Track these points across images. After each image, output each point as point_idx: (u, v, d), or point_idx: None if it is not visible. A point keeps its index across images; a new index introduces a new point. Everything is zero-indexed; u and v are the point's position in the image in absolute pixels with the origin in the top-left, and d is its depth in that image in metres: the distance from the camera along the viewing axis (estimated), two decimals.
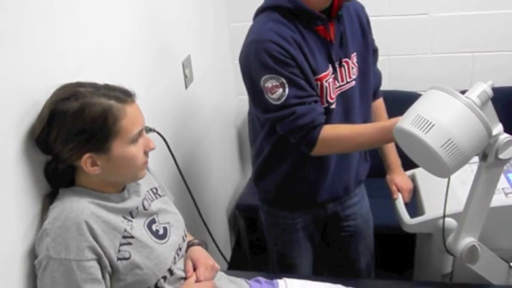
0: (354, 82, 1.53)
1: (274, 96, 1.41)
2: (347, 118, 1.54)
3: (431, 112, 1.19)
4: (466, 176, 1.70)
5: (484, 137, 1.19)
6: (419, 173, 1.84)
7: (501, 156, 1.27)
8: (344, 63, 1.50)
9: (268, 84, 1.40)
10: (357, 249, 1.81)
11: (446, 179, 1.70)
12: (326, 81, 1.45)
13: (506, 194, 1.63)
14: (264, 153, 1.62)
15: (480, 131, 1.18)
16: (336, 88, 1.50)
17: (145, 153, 1.15)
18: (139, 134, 1.12)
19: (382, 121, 1.63)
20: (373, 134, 1.41)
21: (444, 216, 1.51)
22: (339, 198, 1.69)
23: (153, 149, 1.16)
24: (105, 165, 1.08)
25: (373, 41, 1.63)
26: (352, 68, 1.52)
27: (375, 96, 1.72)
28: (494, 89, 1.24)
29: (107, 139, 1.06)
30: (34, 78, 1.08)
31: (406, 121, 1.22)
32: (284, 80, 1.38)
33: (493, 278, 1.52)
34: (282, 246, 1.78)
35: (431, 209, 1.65)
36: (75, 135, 1.04)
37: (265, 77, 1.40)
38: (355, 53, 1.53)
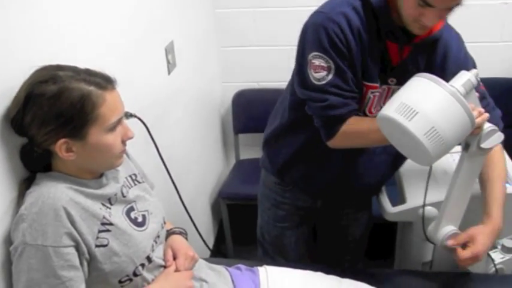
0: None
1: (317, 75, 1.37)
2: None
3: (416, 100, 1.18)
4: (447, 165, 1.72)
5: (467, 126, 1.19)
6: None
7: (483, 145, 1.28)
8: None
9: (315, 62, 1.36)
10: (348, 239, 1.82)
11: (428, 168, 1.72)
12: (372, 93, 1.41)
13: None
14: (281, 120, 1.60)
15: (463, 120, 1.18)
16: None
17: (123, 142, 1.13)
18: (118, 122, 1.10)
19: None
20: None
21: (424, 205, 1.51)
22: (334, 203, 1.69)
23: (131, 138, 1.14)
24: (81, 152, 1.06)
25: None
26: None
27: None
28: None
29: (84, 126, 1.03)
30: (10, 60, 1.05)
31: (390, 108, 1.21)
32: (333, 65, 1.35)
33: (472, 267, 1.53)
34: (266, 221, 1.79)
35: (413, 197, 1.65)
36: (51, 119, 1.01)
37: (316, 53, 1.35)
38: None
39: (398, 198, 1.77)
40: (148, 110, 1.75)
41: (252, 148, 2.82)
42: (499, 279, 1.52)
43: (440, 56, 1.42)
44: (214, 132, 2.78)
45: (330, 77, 1.35)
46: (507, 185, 1.63)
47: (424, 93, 1.19)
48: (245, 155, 2.87)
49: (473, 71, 1.24)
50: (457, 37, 1.45)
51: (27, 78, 1.04)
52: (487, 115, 1.25)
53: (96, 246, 1.06)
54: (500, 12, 2.48)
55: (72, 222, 1.02)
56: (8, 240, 1.04)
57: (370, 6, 1.34)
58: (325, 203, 1.73)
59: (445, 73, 1.40)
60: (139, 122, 1.42)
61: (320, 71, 1.36)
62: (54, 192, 1.02)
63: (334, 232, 1.84)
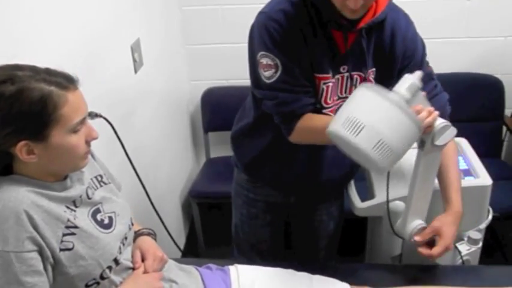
0: None
1: (266, 74, 1.39)
2: None
3: (360, 113, 1.18)
4: (414, 159, 1.74)
5: (415, 132, 1.19)
6: None
7: (437, 142, 1.29)
8: (357, 77, 1.44)
9: (263, 61, 1.38)
10: (322, 234, 1.83)
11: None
12: (325, 83, 1.41)
13: None
14: (247, 119, 1.60)
15: (410, 127, 1.17)
16: (340, 99, 1.45)
17: (87, 143, 1.10)
18: (81, 122, 1.07)
19: None
20: None
21: (388, 201, 1.53)
22: (306, 198, 1.69)
23: (95, 138, 1.11)
24: (43, 154, 1.02)
25: (425, 64, 1.49)
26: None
27: None
28: None
29: (45, 127, 1.00)
30: None
31: (338, 123, 1.21)
32: (279, 63, 1.36)
33: (440, 259, 1.56)
34: (240, 219, 1.79)
35: (381, 192, 1.67)
36: (10, 121, 0.98)
37: (262, 53, 1.38)
38: (373, 69, 1.45)
39: (367, 193, 1.79)
40: (114, 109, 1.72)
41: (222, 146, 2.81)
42: (466, 270, 1.55)
43: (388, 38, 1.43)
44: (183, 131, 2.76)
45: (278, 74, 1.37)
46: (470, 178, 1.66)
47: (368, 105, 1.19)
48: (215, 153, 2.85)
49: (417, 73, 1.23)
50: (405, 18, 1.46)
51: None
52: (436, 113, 1.25)
53: (61, 250, 1.03)
54: (464, 8, 2.54)
55: (35, 226, 0.99)
56: None
57: None
58: (298, 199, 1.73)
59: (394, 54, 1.43)
60: (105, 122, 1.39)
61: (268, 70, 1.38)
62: (15, 196, 0.99)
63: (307, 228, 1.84)
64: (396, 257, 1.77)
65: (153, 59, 2.18)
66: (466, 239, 1.61)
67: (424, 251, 1.42)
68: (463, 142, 1.84)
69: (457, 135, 1.54)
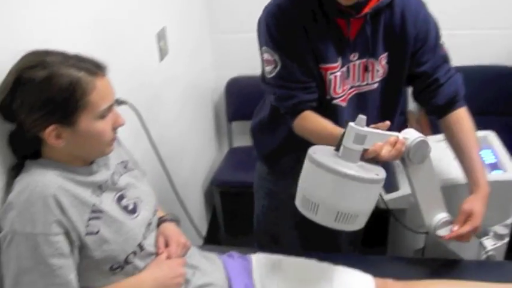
0: (376, 85, 1.46)
1: (267, 69, 1.42)
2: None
3: (312, 192, 1.17)
4: (441, 152, 1.71)
5: (374, 188, 1.16)
6: None
7: (415, 161, 1.26)
8: (369, 64, 1.42)
9: (265, 56, 1.41)
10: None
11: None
12: (332, 73, 1.39)
13: None
14: (265, 112, 1.61)
15: (366, 188, 1.14)
16: (352, 88, 1.44)
17: (114, 130, 1.11)
18: (109, 109, 1.08)
19: (335, 129, 1.34)
20: (329, 140, 1.32)
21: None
22: None
23: (122, 125, 1.13)
24: (71, 139, 1.04)
25: (439, 46, 1.46)
26: (378, 70, 1.44)
27: (450, 107, 1.47)
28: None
29: (74, 112, 1.02)
30: None
31: (298, 201, 1.22)
32: (278, 59, 1.37)
33: (464, 253, 1.54)
34: (261, 211, 1.79)
35: (405, 185, 1.65)
36: (40, 105, 0.99)
37: (264, 48, 1.40)
38: (385, 54, 1.43)
39: (391, 185, 1.77)
40: (139, 97, 1.74)
41: (245, 136, 2.78)
42: (491, 265, 1.53)
43: (398, 20, 1.40)
44: (207, 120, 2.77)
45: (277, 70, 1.38)
46: (498, 172, 1.63)
47: (316, 182, 1.16)
48: (238, 142, 2.85)
49: (359, 118, 1.17)
50: (415, 0, 1.43)
51: (15, 64, 1.02)
52: (400, 140, 1.21)
53: (87, 233, 1.05)
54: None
55: (62, 210, 1.01)
56: None
57: None
58: None
59: (406, 37, 1.40)
60: (130, 109, 1.41)
61: (269, 65, 1.40)
62: (43, 180, 1.01)
63: None
64: (419, 250, 1.75)
65: (178, 47, 2.18)
66: (491, 234, 1.59)
67: (449, 235, 1.37)
68: (491, 135, 1.81)
69: (486, 128, 1.51)
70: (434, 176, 1.35)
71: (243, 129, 2.82)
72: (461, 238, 1.37)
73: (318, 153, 1.18)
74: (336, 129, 1.32)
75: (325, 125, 1.37)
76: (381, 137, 1.20)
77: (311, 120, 1.40)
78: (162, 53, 1.99)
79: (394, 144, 1.20)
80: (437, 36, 1.44)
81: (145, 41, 1.87)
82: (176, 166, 2.16)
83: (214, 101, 2.86)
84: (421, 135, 1.25)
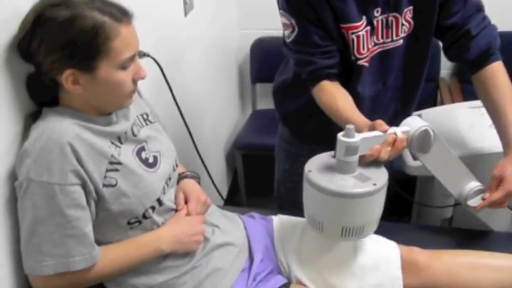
0: (401, 41, 1.38)
1: (285, 33, 1.37)
2: (379, 80, 1.43)
3: (314, 210, 1.15)
4: (474, 119, 1.64)
5: (373, 200, 1.10)
6: (426, 114, 1.76)
7: (422, 152, 1.19)
8: (392, 19, 1.33)
9: (282, 19, 1.35)
10: None
11: (453, 121, 1.65)
12: (354, 33, 1.31)
13: None
14: (288, 74, 1.55)
15: (365, 203, 1.09)
16: (376, 45, 1.36)
17: (134, 82, 1.06)
18: (131, 59, 1.03)
19: (356, 118, 1.27)
20: (340, 122, 1.28)
21: None
22: None
23: (143, 77, 1.07)
24: (88, 86, 0.99)
25: None
26: (403, 25, 1.35)
27: (483, 61, 1.37)
28: None
29: (94, 58, 0.97)
30: None
31: (306, 217, 1.20)
32: (294, 22, 1.30)
33: (495, 225, 1.48)
34: (282, 174, 1.74)
35: None
36: (59, 47, 0.95)
37: (281, 11, 1.34)
38: (410, 7, 1.34)
39: None
40: (162, 51, 1.68)
41: (269, 98, 2.71)
42: None
43: None
44: (231, 80, 2.71)
45: (294, 34, 1.32)
46: None
47: (316, 202, 1.13)
48: (262, 105, 2.79)
49: (347, 129, 1.08)
50: None
51: (37, 1, 0.97)
52: (399, 137, 1.13)
53: (104, 185, 1.01)
54: None
55: (79, 159, 0.97)
56: (13, 176, 0.99)
57: None
58: None
59: None
60: (152, 62, 1.35)
61: (286, 29, 1.34)
62: (59, 128, 0.97)
63: None
64: (446, 220, 1.69)
65: (204, 3, 2.11)
66: None
67: (480, 205, 1.28)
68: None
69: None
70: (449, 153, 1.27)
71: (267, 92, 2.74)
72: (493, 205, 1.28)
73: (313, 170, 1.14)
74: (347, 112, 1.28)
75: (337, 104, 1.31)
76: (377, 139, 1.13)
77: (327, 95, 1.35)
78: (187, 7, 1.92)
79: (392, 143, 1.13)
80: None
81: None
82: (198, 126, 2.12)
83: (238, 62, 2.79)
84: (423, 124, 1.16)
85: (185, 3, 1.90)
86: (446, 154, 1.26)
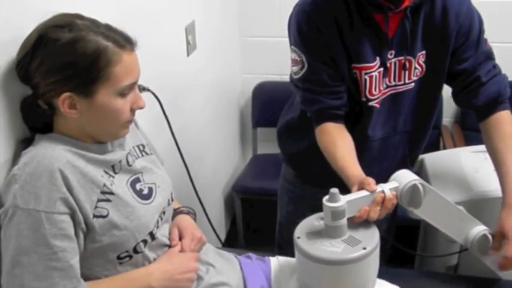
0: (412, 84, 1.37)
1: (294, 69, 1.36)
2: (389, 123, 1.42)
3: (308, 279, 1.11)
4: (478, 163, 1.62)
5: (364, 264, 1.07)
6: (429, 158, 1.73)
7: (413, 208, 1.16)
8: (406, 62, 1.33)
9: (292, 55, 1.35)
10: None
11: (456, 165, 1.62)
12: (367, 73, 1.31)
13: None
14: (294, 114, 1.53)
15: (355, 268, 1.06)
16: (388, 88, 1.36)
17: (132, 111, 1.04)
18: (131, 87, 1.01)
19: (351, 171, 1.25)
20: (336, 169, 1.27)
21: None
22: None
23: (141, 107, 1.05)
24: (85, 112, 0.97)
25: (482, 41, 1.35)
26: (415, 68, 1.35)
27: (491, 109, 1.36)
28: None
29: (93, 82, 0.95)
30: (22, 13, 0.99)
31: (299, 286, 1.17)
32: (305, 60, 1.31)
33: (503, 272, 1.41)
34: (285, 217, 1.70)
35: None
36: (59, 68, 0.93)
37: (292, 47, 1.35)
38: (424, 52, 1.34)
39: None
40: (163, 88, 1.66)
41: (270, 143, 2.72)
42: None
43: (439, 15, 1.30)
44: (231, 123, 2.70)
45: (303, 71, 1.32)
46: None
47: (308, 270, 1.10)
48: (263, 149, 2.77)
49: (331, 193, 1.06)
50: None
51: (42, 22, 0.96)
52: (388, 196, 1.11)
53: (95, 216, 0.97)
54: None
55: (69, 187, 0.93)
56: None
57: None
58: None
59: (447, 33, 1.31)
60: (153, 99, 1.34)
61: (295, 65, 1.34)
62: (50, 153, 0.94)
63: None
64: (451, 267, 1.63)
65: (206, 44, 2.13)
66: None
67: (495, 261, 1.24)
68: None
69: None
70: (445, 202, 1.23)
71: (268, 136, 2.75)
72: (502, 267, 1.25)
73: (302, 236, 1.11)
74: (344, 162, 1.26)
75: (336, 151, 1.30)
76: (364, 200, 1.10)
77: (328, 138, 1.34)
78: (190, 47, 1.93)
79: (381, 202, 1.10)
80: (480, 31, 1.34)
81: (173, 32, 1.82)
82: (197, 167, 2.09)
83: (240, 105, 2.79)
84: (412, 178, 1.13)
85: (188, 43, 1.91)
86: (441, 204, 1.22)
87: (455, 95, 1.42)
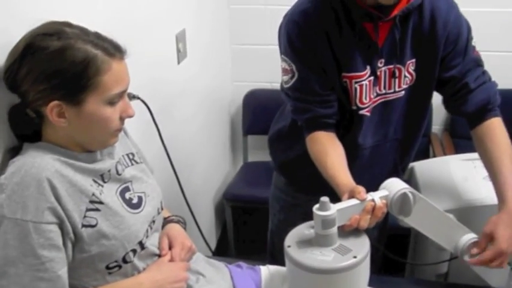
0: (402, 92, 1.38)
1: (284, 78, 1.36)
2: (380, 131, 1.42)
3: (298, 286, 1.11)
4: (467, 172, 1.62)
5: (355, 273, 1.06)
6: (419, 166, 1.74)
7: (404, 214, 1.15)
8: (396, 70, 1.34)
9: (282, 64, 1.35)
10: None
11: (446, 173, 1.62)
12: (358, 82, 1.31)
13: None
14: (285, 122, 1.53)
15: (345, 277, 1.05)
16: (379, 96, 1.36)
17: (122, 120, 1.03)
18: (120, 96, 1.00)
19: (341, 179, 1.26)
20: (326, 177, 1.28)
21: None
22: None
23: (131, 116, 1.04)
24: (74, 120, 0.96)
25: (470, 49, 1.36)
26: (405, 76, 1.36)
27: (481, 116, 1.36)
28: None
29: (82, 91, 0.94)
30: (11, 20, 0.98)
31: None
32: (295, 69, 1.31)
33: (493, 280, 1.42)
34: (277, 225, 1.69)
35: None
36: (47, 77, 0.92)
37: (282, 56, 1.35)
38: (413, 60, 1.34)
39: None
40: (153, 96, 1.66)
41: (261, 151, 2.72)
42: None
43: (427, 23, 1.31)
44: (222, 131, 2.69)
45: (293, 80, 1.32)
46: None
47: (298, 279, 1.09)
48: (254, 157, 2.77)
49: (321, 202, 1.06)
50: (446, 1, 1.33)
51: (31, 29, 0.95)
52: (378, 205, 1.11)
53: (83, 225, 0.96)
54: None
55: (57, 197, 0.92)
56: None
57: None
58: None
59: (436, 41, 1.32)
60: (143, 107, 1.33)
61: (286, 74, 1.34)
62: (39, 162, 0.93)
63: None
64: (441, 275, 1.63)
65: (197, 52, 2.13)
66: None
67: (472, 261, 1.24)
68: None
69: None
70: (435, 211, 1.23)
71: (259, 144, 2.74)
72: (486, 264, 1.23)
73: (292, 245, 1.10)
74: (335, 170, 1.26)
75: (326, 160, 1.30)
76: (354, 208, 1.10)
77: (319, 146, 1.34)
78: (181, 55, 1.93)
79: (371, 211, 1.10)
80: (468, 38, 1.35)
81: (164, 40, 1.81)
82: (187, 175, 2.08)
83: (230, 113, 2.79)
84: (402, 187, 1.13)
85: (178, 51, 1.91)
86: (431, 212, 1.23)
87: (445, 102, 1.43)
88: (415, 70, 1.36)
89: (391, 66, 1.33)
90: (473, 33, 1.38)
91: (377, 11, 1.25)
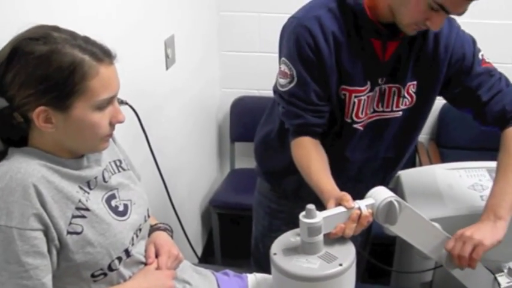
0: (400, 113, 1.39)
1: (281, 81, 1.34)
2: (372, 148, 1.43)
3: None
4: (453, 180, 1.63)
5: (341, 280, 1.07)
6: (405, 175, 1.75)
7: (390, 223, 1.16)
8: (395, 90, 1.35)
9: (282, 67, 1.33)
10: None
11: (432, 182, 1.63)
12: (357, 97, 1.31)
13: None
14: (273, 125, 1.51)
15: (332, 284, 1.06)
16: (375, 113, 1.37)
17: (111, 125, 1.02)
18: (109, 101, 0.99)
19: (326, 186, 1.25)
20: (310, 183, 1.28)
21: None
22: None
23: (121, 121, 1.03)
24: (61, 126, 0.95)
25: (477, 64, 1.35)
26: (404, 97, 1.36)
27: (503, 125, 1.35)
28: None
29: (69, 96, 0.93)
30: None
31: None
32: (295, 75, 1.29)
33: None
34: (261, 232, 1.68)
35: None
36: (33, 81, 0.91)
37: (284, 59, 1.32)
38: (414, 82, 1.35)
39: None
40: (141, 101, 1.64)
41: (248, 158, 2.72)
42: None
43: (431, 46, 1.32)
44: (209, 138, 2.69)
45: (291, 85, 1.31)
46: None
47: (285, 286, 1.09)
48: (241, 164, 2.77)
49: (307, 209, 1.06)
50: (448, 21, 1.33)
51: (18, 33, 0.94)
52: (363, 214, 1.11)
53: (69, 232, 0.95)
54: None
55: (43, 203, 0.91)
56: None
57: (348, 6, 1.26)
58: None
59: (438, 63, 1.33)
60: (130, 111, 1.32)
61: (284, 78, 1.32)
62: (25, 168, 0.92)
63: None
64: (426, 283, 1.64)
65: (185, 58, 2.12)
66: (506, 270, 1.48)
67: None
68: None
69: None
70: (420, 219, 1.23)
71: (246, 151, 2.74)
72: (460, 261, 1.24)
73: (278, 252, 1.10)
74: (319, 176, 1.26)
75: (310, 165, 1.30)
76: (340, 216, 1.11)
77: (303, 151, 1.34)
78: (169, 61, 1.93)
79: (357, 219, 1.11)
80: (474, 54, 1.35)
81: (152, 46, 1.81)
82: (174, 181, 2.07)
83: (218, 120, 2.79)
84: (388, 195, 1.14)
85: (167, 56, 1.91)
86: (416, 220, 1.23)
87: (474, 119, 1.41)
88: (415, 92, 1.37)
89: (392, 85, 1.34)
90: (485, 44, 1.38)
91: (387, 30, 1.26)
